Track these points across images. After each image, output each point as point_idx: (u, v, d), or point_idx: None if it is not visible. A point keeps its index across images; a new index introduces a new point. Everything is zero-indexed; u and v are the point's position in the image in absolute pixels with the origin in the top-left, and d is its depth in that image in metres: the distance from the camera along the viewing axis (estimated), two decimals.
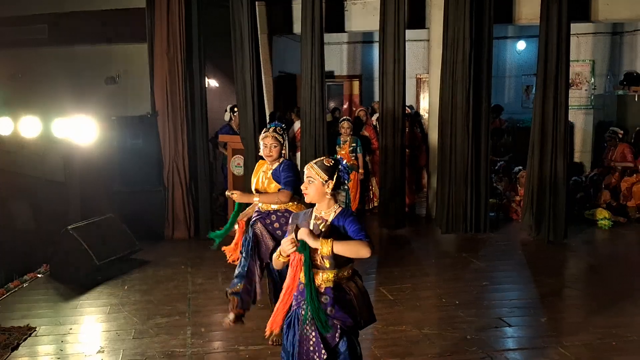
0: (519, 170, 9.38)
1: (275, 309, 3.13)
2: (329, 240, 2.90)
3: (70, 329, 5.24)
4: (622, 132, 9.59)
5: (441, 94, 7.89)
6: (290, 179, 4.35)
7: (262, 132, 4.43)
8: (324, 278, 3.03)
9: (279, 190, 4.35)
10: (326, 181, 3.05)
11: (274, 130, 4.39)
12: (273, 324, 3.12)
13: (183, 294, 6.05)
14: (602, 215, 8.75)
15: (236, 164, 8.36)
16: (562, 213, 7.64)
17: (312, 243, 2.92)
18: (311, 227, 3.04)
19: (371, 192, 9.42)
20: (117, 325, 5.30)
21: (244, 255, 4.62)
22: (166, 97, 8.07)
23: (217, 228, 8.13)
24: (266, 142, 4.42)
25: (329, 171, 3.06)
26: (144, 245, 7.36)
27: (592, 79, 11.33)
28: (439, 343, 4.79)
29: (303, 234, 2.93)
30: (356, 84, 12.76)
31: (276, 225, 4.52)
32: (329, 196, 3.07)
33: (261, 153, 4.44)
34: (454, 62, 7.72)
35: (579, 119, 10.97)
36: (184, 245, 7.92)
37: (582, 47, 10.96)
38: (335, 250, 2.89)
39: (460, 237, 8.05)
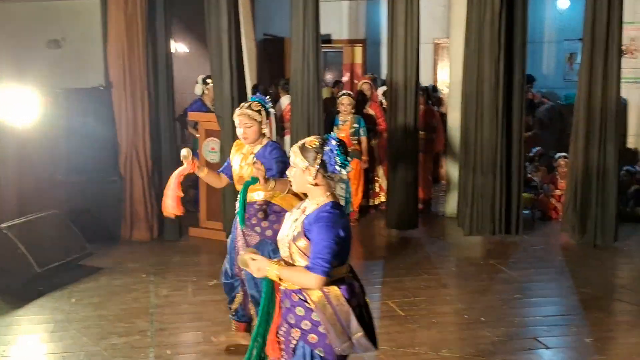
0: (560, 157, 9.41)
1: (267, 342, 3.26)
2: (277, 264, 3.06)
3: (4, 350, 5.25)
4: None
5: (465, 63, 7.92)
6: (282, 164, 4.46)
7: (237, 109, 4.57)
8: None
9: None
10: (306, 168, 3.11)
11: (249, 107, 4.48)
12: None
13: (144, 309, 6.09)
14: None
15: (210, 149, 8.40)
16: (612, 211, 7.73)
17: (254, 272, 3.09)
18: (288, 225, 3.15)
19: (377, 184, 9.48)
20: (62, 346, 5.32)
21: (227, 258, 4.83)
22: (123, 66, 8.09)
23: (185, 228, 8.34)
24: (240, 121, 4.55)
25: (310, 156, 3.11)
26: (95, 249, 7.40)
27: None
28: None
29: (241, 260, 3.10)
30: (359, 50, 12.77)
31: (253, 220, 4.64)
32: (314, 186, 3.13)
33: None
34: (480, 24, 7.76)
35: (634, 94, 10.99)
36: (144, 249, 7.98)
37: (639, 5, 10.97)
38: (283, 277, 3.06)
39: (487, 240, 8.10)
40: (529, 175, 9.51)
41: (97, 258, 7.37)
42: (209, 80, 8.79)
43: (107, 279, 6.91)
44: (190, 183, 9.97)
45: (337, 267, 3.05)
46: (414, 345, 5.19)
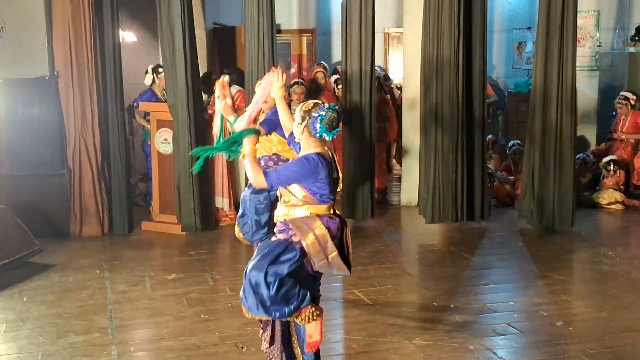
0: (514, 145, 9.52)
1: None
2: (252, 145, 3.97)
3: None
4: (634, 97, 9.79)
5: (423, 49, 7.86)
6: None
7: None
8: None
9: None
10: (297, 124, 3.92)
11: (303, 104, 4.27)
12: None
13: (102, 305, 5.90)
14: (613, 199, 9.04)
15: (162, 140, 8.18)
16: (569, 196, 7.78)
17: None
18: None
19: None
20: (17, 347, 5.11)
21: None
22: (69, 54, 7.84)
23: (137, 222, 8.10)
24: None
25: (301, 115, 3.91)
26: (44, 245, 7.23)
27: (597, 33, 11.53)
28: (436, 356, 4.75)
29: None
30: (307, 40, 12.59)
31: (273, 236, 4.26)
32: (304, 141, 3.92)
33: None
34: (439, 10, 7.69)
35: (582, 82, 11.10)
36: (96, 244, 7.78)
37: None
38: (247, 153, 3.93)
39: (447, 228, 8.15)
40: None
41: (47, 255, 7.17)
42: (160, 69, 8.53)
43: (59, 276, 6.68)
44: (141, 176, 9.73)
45: (311, 202, 3.88)
46: (386, 335, 5.13)
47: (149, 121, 8.46)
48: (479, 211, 8.02)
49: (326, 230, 3.83)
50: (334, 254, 3.82)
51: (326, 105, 3.91)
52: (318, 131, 3.84)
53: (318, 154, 3.84)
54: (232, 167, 8.44)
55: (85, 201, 8.02)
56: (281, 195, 3.96)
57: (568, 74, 7.68)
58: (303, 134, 3.88)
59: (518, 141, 9.64)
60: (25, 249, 6.93)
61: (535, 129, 7.85)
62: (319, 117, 3.84)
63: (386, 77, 10.80)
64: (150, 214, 8.51)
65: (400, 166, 9.86)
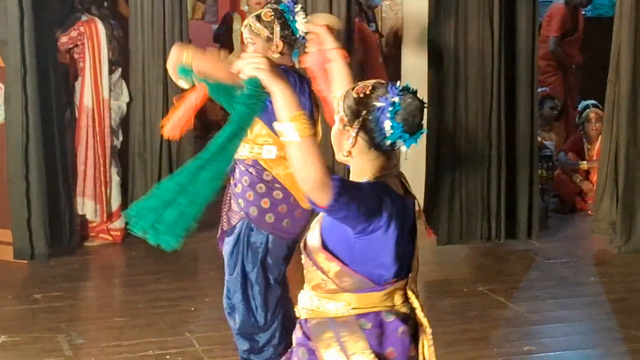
0: (589, 107, 7.25)
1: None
2: (307, 125, 2.32)
3: None
4: None
5: None
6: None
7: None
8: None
9: None
10: (344, 127, 2.47)
11: (257, 17, 3.95)
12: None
13: None
14: None
15: None
16: None
17: (270, 82, 2.31)
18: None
19: None
20: None
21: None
22: None
23: None
24: (244, 34, 4.17)
25: (351, 108, 2.47)
26: None
27: None
28: None
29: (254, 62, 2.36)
30: None
31: (237, 188, 3.91)
32: (355, 158, 2.50)
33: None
34: None
35: None
36: None
37: None
38: (299, 147, 2.29)
39: (473, 252, 6.50)
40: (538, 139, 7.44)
41: None
42: None
43: None
44: None
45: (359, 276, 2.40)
46: None
47: None
48: (525, 224, 6.35)
49: None
50: None
51: (394, 87, 2.48)
52: (388, 135, 2.43)
53: (381, 184, 2.45)
54: (110, 151, 6.23)
55: None
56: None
57: None
58: (356, 145, 2.48)
59: (595, 101, 7.28)
60: None
61: (622, 80, 6.11)
62: (389, 109, 2.46)
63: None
64: None
65: None
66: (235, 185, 3.88)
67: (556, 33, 8.20)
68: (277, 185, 3.89)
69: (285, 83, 2.29)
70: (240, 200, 3.86)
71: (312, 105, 3.94)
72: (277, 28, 3.67)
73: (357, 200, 2.29)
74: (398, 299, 2.46)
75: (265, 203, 3.85)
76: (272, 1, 6.70)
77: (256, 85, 2.51)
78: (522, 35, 6.30)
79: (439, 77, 6.31)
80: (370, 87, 2.43)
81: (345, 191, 2.26)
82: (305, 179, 2.24)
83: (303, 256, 2.54)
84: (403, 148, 2.46)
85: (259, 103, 2.67)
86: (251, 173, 3.85)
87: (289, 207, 3.78)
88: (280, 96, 2.25)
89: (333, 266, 2.39)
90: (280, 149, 3.80)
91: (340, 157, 2.52)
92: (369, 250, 2.39)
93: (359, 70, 6.78)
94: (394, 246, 2.38)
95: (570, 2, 8.25)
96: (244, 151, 3.84)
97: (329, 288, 2.44)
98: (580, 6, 8.41)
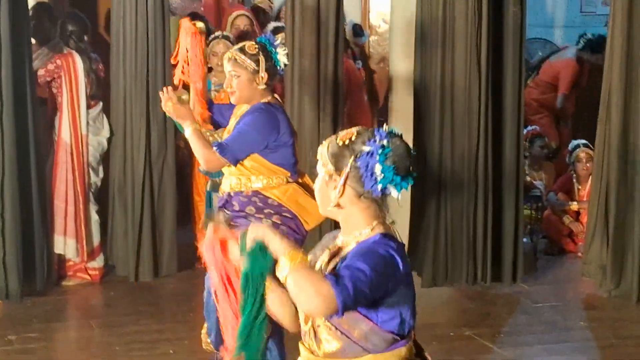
0: (579, 147, 7.17)
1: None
2: (299, 254, 2.28)
3: None
4: None
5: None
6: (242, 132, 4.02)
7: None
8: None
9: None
10: (329, 176, 2.41)
11: (241, 50, 3.97)
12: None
13: None
14: None
15: None
16: None
17: (275, 245, 2.31)
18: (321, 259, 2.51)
19: None
20: None
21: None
22: None
23: None
24: (226, 67, 4.12)
25: (337, 156, 2.40)
26: None
27: None
28: None
29: (258, 230, 2.38)
30: None
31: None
32: (350, 207, 2.43)
33: None
34: None
35: None
36: None
37: None
38: (290, 276, 2.25)
39: (458, 295, 6.36)
40: (527, 179, 7.40)
41: None
42: None
43: None
44: None
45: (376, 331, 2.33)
46: None
47: None
48: (510, 266, 6.26)
49: None
50: None
51: (381, 130, 2.41)
52: (380, 180, 2.34)
53: (388, 235, 2.37)
54: (88, 188, 6.03)
55: None
56: (306, 334, 2.51)
57: None
58: (344, 195, 2.37)
59: (585, 141, 7.24)
60: None
61: (612, 120, 6.03)
62: (379, 152, 2.37)
63: (357, 31, 8.15)
64: None
65: None
66: (238, 217, 3.91)
67: (566, 91, 8.17)
68: (283, 208, 3.98)
69: (283, 238, 2.28)
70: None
71: (291, 130, 4.04)
72: (262, 60, 3.74)
73: (366, 292, 2.22)
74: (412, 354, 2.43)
75: (277, 219, 3.94)
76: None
77: (260, 249, 2.41)
78: (509, 73, 6.24)
79: (424, 114, 6.22)
80: (354, 133, 2.37)
81: (352, 292, 2.19)
82: (307, 301, 2.20)
83: (307, 327, 2.43)
84: (394, 193, 2.37)
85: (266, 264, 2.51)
86: (255, 202, 3.94)
87: (297, 224, 3.94)
88: (282, 252, 2.26)
89: (362, 326, 2.31)
90: (268, 178, 3.99)
91: (327, 211, 2.41)
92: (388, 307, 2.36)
93: (343, 107, 6.66)
94: (408, 298, 2.38)
95: (581, 58, 8.16)
96: (234, 183, 3.94)
97: (349, 351, 2.35)
98: (588, 63, 8.40)
